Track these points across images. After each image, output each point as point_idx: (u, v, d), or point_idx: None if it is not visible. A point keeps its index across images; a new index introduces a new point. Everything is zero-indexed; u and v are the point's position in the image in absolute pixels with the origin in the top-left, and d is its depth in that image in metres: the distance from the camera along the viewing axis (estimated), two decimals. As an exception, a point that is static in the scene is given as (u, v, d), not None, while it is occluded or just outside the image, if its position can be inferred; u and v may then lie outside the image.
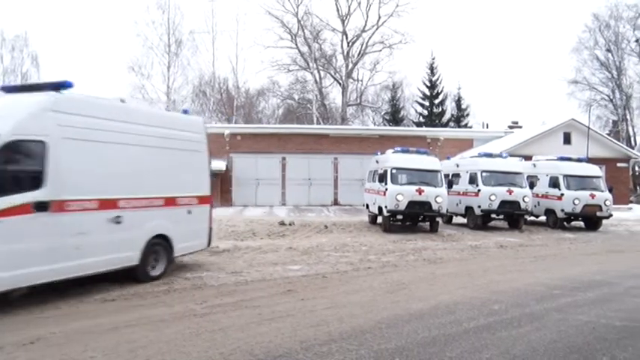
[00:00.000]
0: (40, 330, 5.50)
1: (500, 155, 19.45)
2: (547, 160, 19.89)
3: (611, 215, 18.52)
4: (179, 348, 4.96)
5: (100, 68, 63.76)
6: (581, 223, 19.19)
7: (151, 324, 5.75)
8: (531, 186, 18.04)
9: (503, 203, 17.12)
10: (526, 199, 17.27)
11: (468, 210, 18.05)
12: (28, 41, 46.32)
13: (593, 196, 17.97)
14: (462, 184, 18.46)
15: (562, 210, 18.21)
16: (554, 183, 18.70)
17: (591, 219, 18.51)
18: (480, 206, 17.30)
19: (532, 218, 19.76)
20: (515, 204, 17.23)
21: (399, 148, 17.90)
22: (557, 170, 18.85)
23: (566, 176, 18.52)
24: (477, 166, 18.27)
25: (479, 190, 17.40)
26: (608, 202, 18.16)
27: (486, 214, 17.56)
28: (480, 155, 19.27)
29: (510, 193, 17.09)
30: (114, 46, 67.45)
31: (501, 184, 17.33)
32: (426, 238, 14.88)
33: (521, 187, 17.57)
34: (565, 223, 18.76)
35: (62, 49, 63.63)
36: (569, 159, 19.36)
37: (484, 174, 17.72)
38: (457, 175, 19.04)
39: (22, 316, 6.10)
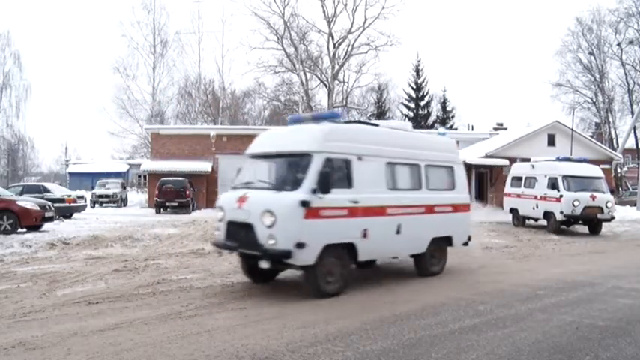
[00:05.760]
0: (22, 333, 5.42)
1: (582, 160, 19.43)
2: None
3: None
4: (165, 350, 4.93)
5: (85, 68, 63.18)
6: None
7: (136, 326, 5.70)
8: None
9: (586, 208, 17.27)
10: (609, 205, 17.50)
11: (548, 215, 18.02)
12: (10, 40, 45.95)
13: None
14: (539, 188, 18.51)
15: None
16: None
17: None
18: (562, 212, 17.28)
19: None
20: (598, 209, 17.47)
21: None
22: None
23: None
24: (557, 170, 18.11)
25: (561, 196, 17.37)
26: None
27: (568, 220, 17.67)
28: (559, 159, 19.18)
29: (593, 199, 17.20)
30: (98, 46, 67.00)
31: (584, 190, 17.50)
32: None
33: (603, 192, 17.72)
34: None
35: (46, 48, 63.07)
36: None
37: (566, 179, 17.74)
38: (533, 179, 19.11)
39: (4, 319, 6.00)
